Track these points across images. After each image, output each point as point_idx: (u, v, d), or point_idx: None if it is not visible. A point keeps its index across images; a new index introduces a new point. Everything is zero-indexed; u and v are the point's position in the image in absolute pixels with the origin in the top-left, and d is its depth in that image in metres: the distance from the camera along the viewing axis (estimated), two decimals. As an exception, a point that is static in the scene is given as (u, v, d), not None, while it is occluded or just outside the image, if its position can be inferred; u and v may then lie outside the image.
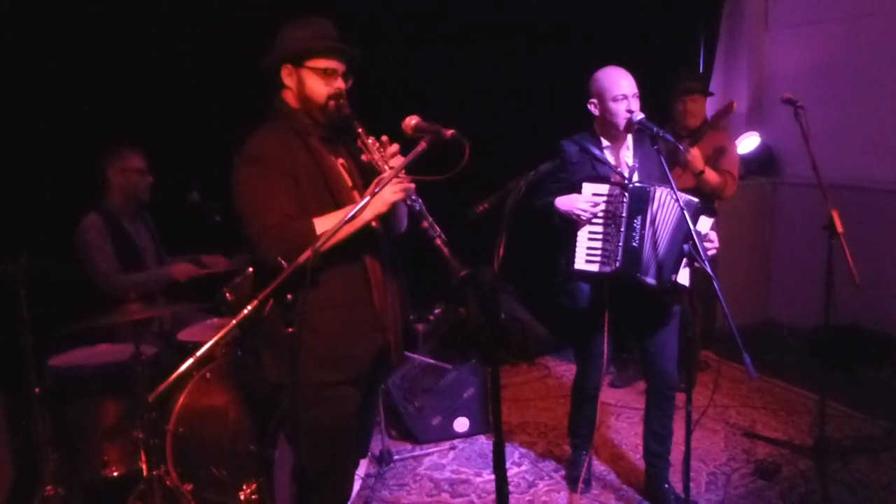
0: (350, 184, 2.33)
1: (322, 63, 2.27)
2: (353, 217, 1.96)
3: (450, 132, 2.06)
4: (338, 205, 2.22)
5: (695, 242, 2.70)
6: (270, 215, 2.14)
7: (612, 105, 2.99)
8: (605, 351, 3.10)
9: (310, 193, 2.21)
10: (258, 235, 2.14)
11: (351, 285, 2.26)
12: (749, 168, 5.74)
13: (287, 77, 2.30)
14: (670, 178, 2.78)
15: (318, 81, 2.27)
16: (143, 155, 3.71)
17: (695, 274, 2.92)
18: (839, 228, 3.29)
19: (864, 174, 5.10)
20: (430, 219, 2.15)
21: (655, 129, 2.88)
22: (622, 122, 2.99)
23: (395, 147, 2.26)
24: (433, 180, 2.04)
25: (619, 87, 2.98)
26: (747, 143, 5.72)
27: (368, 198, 1.98)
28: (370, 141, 2.24)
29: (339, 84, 2.30)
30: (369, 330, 2.32)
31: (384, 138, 2.27)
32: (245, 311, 1.71)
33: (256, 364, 2.43)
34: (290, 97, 2.33)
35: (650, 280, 2.93)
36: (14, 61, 3.72)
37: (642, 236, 2.91)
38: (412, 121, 2.15)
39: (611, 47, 4.81)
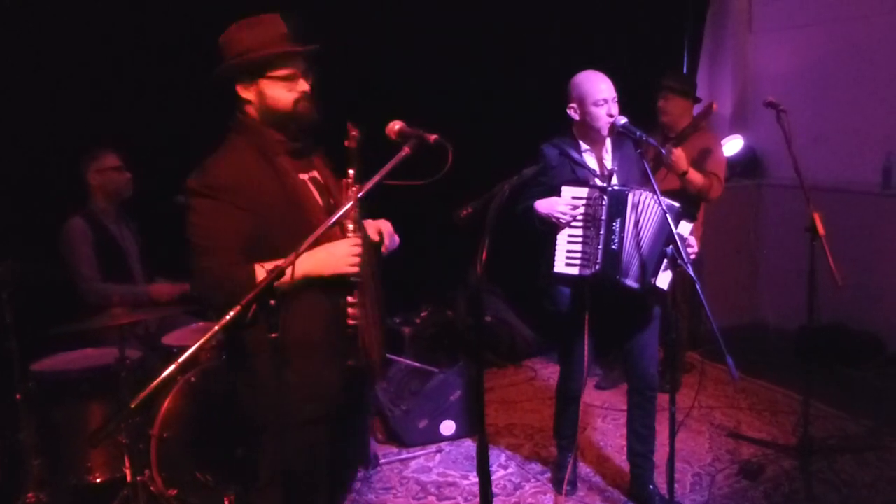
0: (321, 203, 2.21)
1: (283, 71, 2.12)
2: (313, 241, 1.91)
3: (433, 137, 2.06)
4: (308, 224, 2.06)
5: (677, 245, 2.72)
6: (214, 257, 2.04)
7: (594, 109, 3.00)
8: (586, 353, 3.12)
9: (274, 220, 2.09)
10: (197, 274, 2.06)
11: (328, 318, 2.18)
12: (733, 170, 5.77)
13: (244, 92, 2.13)
14: (653, 180, 2.80)
15: (279, 90, 2.12)
16: (117, 153, 3.68)
17: (679, 276, 2.94)
18: (821, 231, 3.32)
19: (848, 176, 5.14)
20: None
21: (638, 133, 2.90)
22: (604, 126, 3.01)
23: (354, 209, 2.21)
24: (417, 185, 2.04)
25: (600, 92, 2.99)
26: (731, 145, 5.76)
27: (353, 203, 1.98)
28: (353, 190, 2.13)
29: (303, 86, 2.16)
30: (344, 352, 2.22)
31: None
32: (228, 317, 1.70)
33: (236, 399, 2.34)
34: (252, 110, 2.16)
35: (630, 283, 2.95)
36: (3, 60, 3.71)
37: (622, 239, 2.93)
38: (396, 126, 2.14)
39: (595, 50, 4.85)
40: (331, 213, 2.14)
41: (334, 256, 2.10)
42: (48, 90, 3.84)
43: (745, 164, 5.83)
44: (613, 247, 2.93)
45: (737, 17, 5.87)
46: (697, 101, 4.40)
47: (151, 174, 3.80)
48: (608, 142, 3.15)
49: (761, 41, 5.82)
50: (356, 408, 2.57)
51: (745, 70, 5.93)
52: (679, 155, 3.67)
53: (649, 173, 2.83)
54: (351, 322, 2.15)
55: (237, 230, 2.06)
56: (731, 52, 5.91)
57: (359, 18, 4.50)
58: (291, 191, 2.15)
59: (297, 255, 1.83)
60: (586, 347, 3.10)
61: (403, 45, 4.68)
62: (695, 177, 3.79)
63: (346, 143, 2.17)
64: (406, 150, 2.02)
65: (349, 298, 2.15)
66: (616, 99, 3.01)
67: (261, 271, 2.04)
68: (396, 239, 2.38)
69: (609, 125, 2.99)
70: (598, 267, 2.96)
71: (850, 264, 3.51)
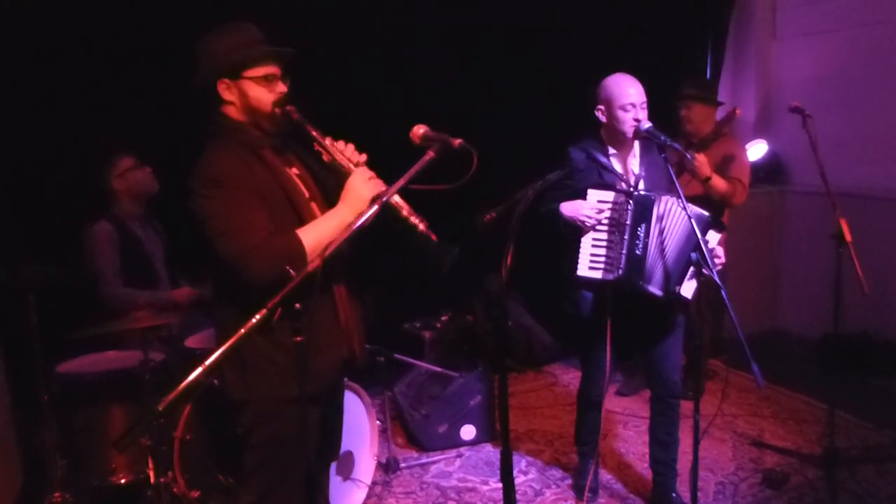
0: (307, 195, 2.27)
1: (261, 70, 2.18)
2: (363, 224, 1.96)
3: (458, 141, 2.05)
4: (300, 217, 2.17)
5: (702, 250, 2.69)
6: (250, 235, 2.06)
7: (620, 113, 2.99)
8: (608, 359, 3.10)
9: (273, 209, 2.15)
10: (241, 257, 2.05)
11: (317, 301, 2.16)
12: (757, 176, 5.70)
13: (226, 91, 2.19)
14: (678, 187, 2.78)
15: (260, 90, 2.18)
16: (131, 153, 3.70)
17: (703, 282, 2.91)
18: (847, 237, 3.28)
19: (873, 182, 5.08)
20: (409, 207, 2.11)
21: (663, 137, 2.88)
22: (629, 131, 2.99)
23: (350, 146, 2.26)
24: (441, 189, 2.04)
25: (628, 96, 2.98)
26: (755, 150, 5.71)
27: (376, 207, 1.98)
28: (328, 141, 2.21)
29: (281, 88, 2.22)
30: (334, 344, 2.29)
31: (341, 141, 2.25)
32: (254, 320, 1.71)
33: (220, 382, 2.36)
34: (232, 111, 2.22)
35: (654, 289, 2.93)
36: (21, 66, 3.75)
37: (646, 244, 2.91)
38: (420, 130, 2.14)
39: (618, 54, 4.81)
40: (314, 200, 2.26)
41: (356, 190, 2.14)
42: (69, 95, 3.87)
43: (769, 170, 5.78)
44: (637, 252, 2.92)
45: (760, 23, 5.82)
46: (719, 104, 4.36)
47: (173, 175, 3.81)
48: (637, 147, 3.13)
49: (785, 47, 5.78)
50: (337, 395, 2.58)
51: (769, 76, 5.89)
52: (702, 160, 3.64)
53: (675, 180, 2.81)
54: (341, 315, 2.25)
55: (258, 209, 2.11)
56: (755, 58, 5.87)
57: (383, 21, 4.52)
58: (283, 181, 2.21)
59: (324, 256, 1.83)
60: (608, 353, 3.09)
61: (427, 48, 4.70)
62: (718, 182, 3.76)
63: (292, 118, 2.21)
64: (431, 154, 2.03)
65: (336, 291, 2.23)
66: (645, 104, 2.99)
67: (303, 236, 2.09)
68: None
69: (633, 129, 2.97)
70: (621, 271, 2.94)
71: (874, 272, 3.46)
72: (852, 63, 5.23)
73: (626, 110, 2.98)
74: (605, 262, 3.00)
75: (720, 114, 4.32)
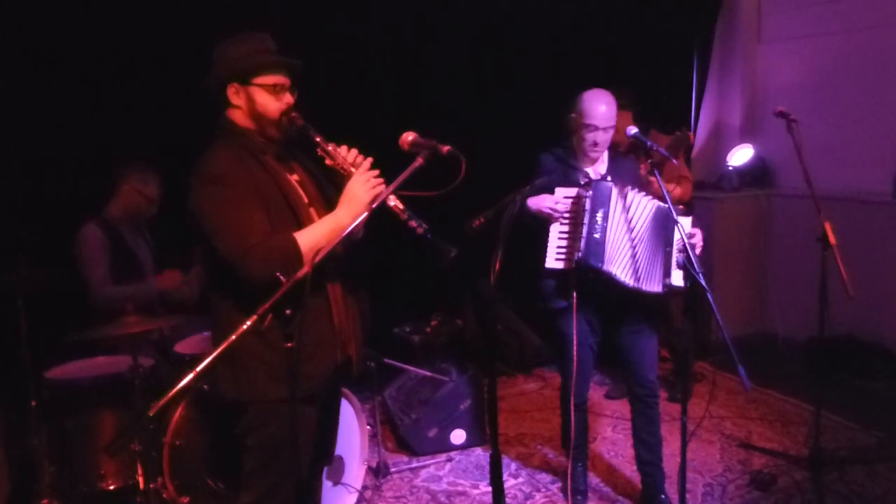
0: (306, 200, 2.29)
1: (270, 79, 2.23)
2: (354, 228, 1.97)
3: (446, 148, 2.08)
4: (298, 222, 2.19)
5: (688, 254, 2.73)
6: (248, 234, 2.08)
7: (583, 131, 3.09)
8: (575, 329, 3.12)
9: (271, 212, 2.17)
10: (239, 255, 2.07)
11: (310, 303, 2.15)
12: (743, 180, 5.78)
13: (234, 96, 2.25)
14: (664, 190, 2.82)
15: (268, 98, 2.24)
16: (161, 186, 3.71)
17: (690, 285, 2.95)
18: (832, 240, 3.32)
19: (858, 186, 5.14)
20: (409, 211, 2.14)
21: (649, 143, 2.92)
22: (587, 149, 3.12)
23: (354, 150, 2.28)
24: (430, 196, 2.05)
25: (593, 117, 3.07)
26: (741, 155, 5.76)
27: (366, 213, 2.00)
28: (330, 147, 2.25)
29: (289, 99, 2.28)
30: (327, 347, 2.29)
31: (343, 146, 2.28)
32: (244, 326, 1.72)
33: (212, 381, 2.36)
34: (238, 116, 2.28)
35: (614, 271, 2.98)
36: (17, 68, 3.75)
37: (605, 229, 2.98)
38: (409, 136, 2.16)
39: (604, 62, 4.84)
40: (313, 206, 2.29)
41: (355, 194, 2.17)
42: (62, 96, 3.87)
43: (755, 174, 5.83)
44: (596, 235, 2.98)
45: (746, 27, 5.88)
46: (635, 108, 4.39)
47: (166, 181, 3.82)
48: (605, 155, 3.23)
49: (771, 51, 5.83)
50: (333, 400, 2.58)
51: (755, 80, 5.94)
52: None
53: (660, 182, 2.86)
54: (335, 317, 2.25)
55: (256, 209, 2.14)
56: (741, 63, 5.92)
57: (373, 30, 4.53)
58: (283, 186, 2.23)
59: (314, 263, 1.84)
60: (575, 323, 3.10)
61: (418, 57, 4.71)
62: (675, 191, 3.99)
63: (296, 123, 2.26)
64: (420, 161, 2.05)
65: (331, 293, 2.24)
66: (611, 128, 3.08)
67: (300, 238, 2.11)
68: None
69: (587, 150, 3.11)
70: (580, 254, 3.00)
71: (860, 274, 3.50)
72: (838, 67, 5.28)
73: (588, 130, 3.07)
74: (568, 252, 3.06)
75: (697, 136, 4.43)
